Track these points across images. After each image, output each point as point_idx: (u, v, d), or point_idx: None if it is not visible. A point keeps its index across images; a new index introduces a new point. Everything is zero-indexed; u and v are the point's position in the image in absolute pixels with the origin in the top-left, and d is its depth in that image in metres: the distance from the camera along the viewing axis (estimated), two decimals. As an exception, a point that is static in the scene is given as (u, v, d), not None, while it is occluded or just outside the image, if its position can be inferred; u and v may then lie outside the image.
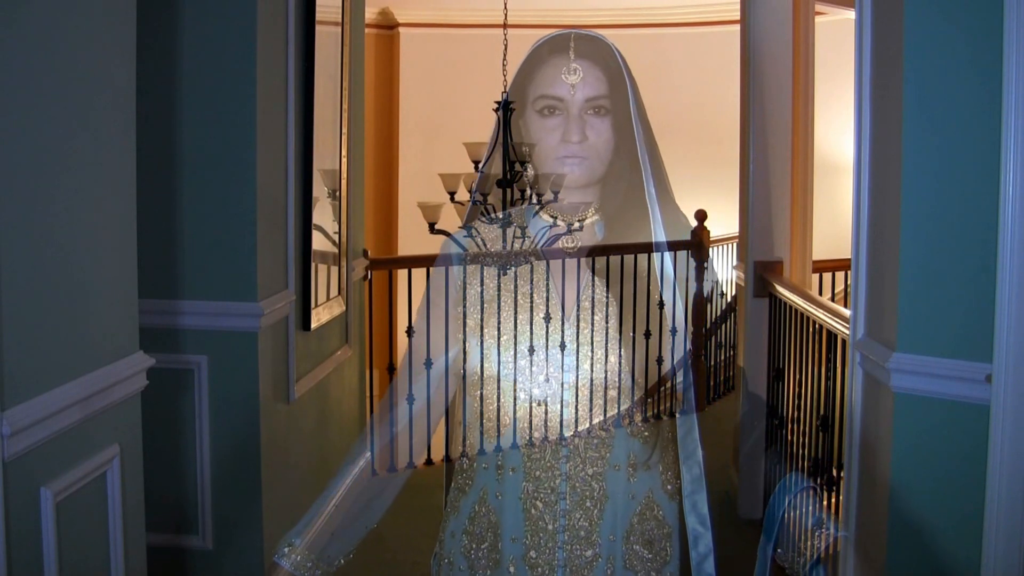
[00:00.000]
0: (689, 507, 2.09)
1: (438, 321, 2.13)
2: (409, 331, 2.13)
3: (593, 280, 2.08)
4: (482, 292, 2.10)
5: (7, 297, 1.73)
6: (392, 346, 2.44)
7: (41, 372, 1.85)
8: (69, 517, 1.93)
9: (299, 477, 3.74)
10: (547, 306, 2.04)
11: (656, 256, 2.07)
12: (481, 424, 2.11)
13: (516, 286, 2.04)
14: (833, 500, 2.99)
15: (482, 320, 2.09)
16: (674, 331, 2.06)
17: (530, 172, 2.08)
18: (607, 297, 2.06)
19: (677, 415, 2.10)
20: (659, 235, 2.07)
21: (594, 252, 2.06)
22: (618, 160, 2.13)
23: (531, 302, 2.03)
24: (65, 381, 1.91)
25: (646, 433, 2.12)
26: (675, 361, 2.08)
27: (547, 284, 2.05)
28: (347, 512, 2.14)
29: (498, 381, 2.08)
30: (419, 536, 2.18)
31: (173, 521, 3.26)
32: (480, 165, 2.00)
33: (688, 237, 2.10)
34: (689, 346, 2.10)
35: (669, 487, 2.15)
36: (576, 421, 2.06)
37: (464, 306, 2.06)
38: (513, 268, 1.96)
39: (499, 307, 2.08)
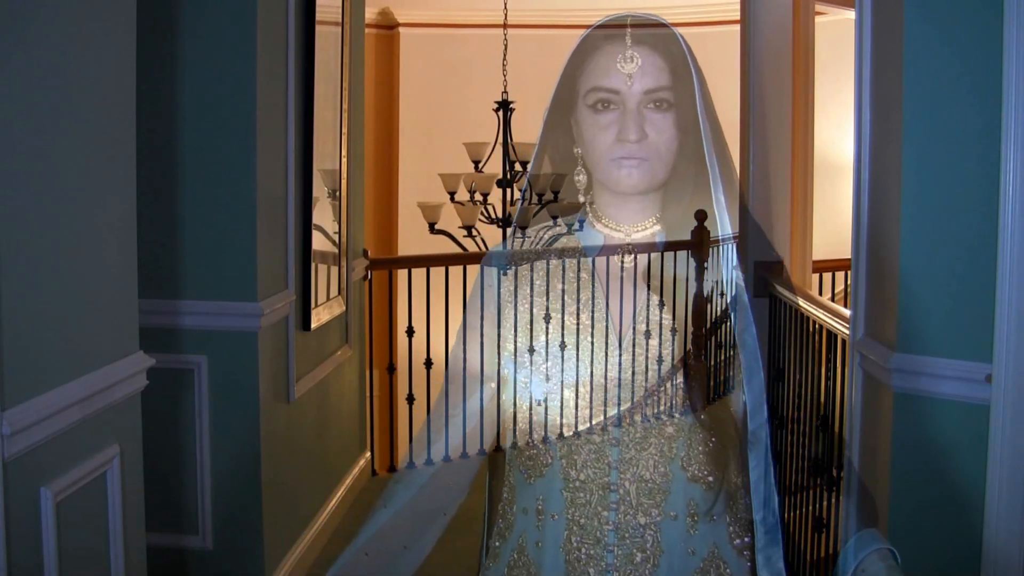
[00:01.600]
0: (762, 561, 1.78)
1: (477, 345, 1.86)
2: (409, 331, 2.00)
3: (651, 300, 1.83)
4: (516, 307, 1.82)
5: (7, 297, 1.73)
6: (392, 346, 2.37)
7: (41, 372, 1.85)
8: (69, 517, 1.93)
9: (299, 477, 3.74)
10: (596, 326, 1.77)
11: (724, 270, 1.84)
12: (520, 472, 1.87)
13: (565, 304, 1.78)
14: (833, 500, 2.99)
15: (504, 339, 1.83)
16: (736, 344, 1.82)
17: (582, 177, 1.88)
18: (663, 317, 1.81)
19: (749, 456, 1.83)
20: (729, 253, 1.84)
21: (638, 249, 1.81)
22: (682, 162, 1.87)
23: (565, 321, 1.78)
24: (65, 381, 1.91)
25: (710, 478, 1.85)
26: (740, 391, 1.84)
27: (601, 303, 1.79)
28: (381, 555, 1.85)
29: (530, 413, 1.83)
30: (448, 549, 1.98)
31: (173, 521, 3.26)
32: (528, 166, 1.87)
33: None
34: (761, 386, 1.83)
35: (737, 541, 1.87)
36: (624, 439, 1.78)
37: (499, 329, 1.83)
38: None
39: (523, 325, 1.82)
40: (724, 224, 1.84)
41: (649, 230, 1.91)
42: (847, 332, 2.65)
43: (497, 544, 1.94)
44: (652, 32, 1.84)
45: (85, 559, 2.02)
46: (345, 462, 4.46)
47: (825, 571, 3.05)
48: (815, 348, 3.35)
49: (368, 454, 4.71)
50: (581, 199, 1.92)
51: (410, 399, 1.99)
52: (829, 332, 3.14)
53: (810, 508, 3.26)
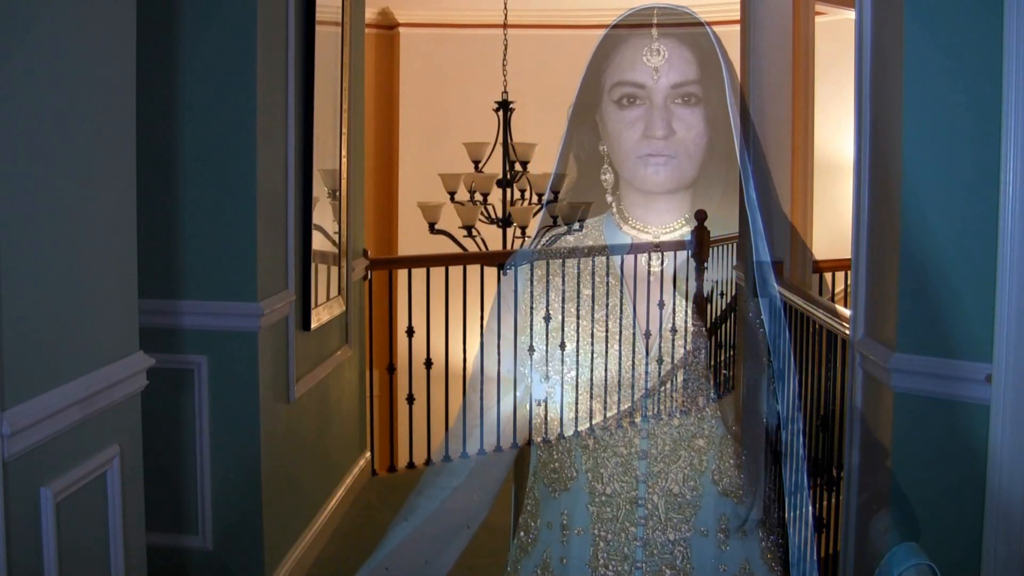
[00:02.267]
0: None
1: (502, 349, 1.77)
2: (409, 331, 1.94)
3: (679, 304, 1.75)
4: (542, 312, 1.74)
5: (7, 297, 1.73)
6: (392, 346, 2.34)
7: (41, 372, 1.85)
8: (69, 517, 1.93)
9: (299, 477, 3.74)
10: (625, 337, 1.69)
11: (756, 273, 1.76)
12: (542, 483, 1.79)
13: (593, 309, 1.71)
14: (833, 500, 2.99)
15: (513, 350, 1.76)
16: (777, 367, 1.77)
17: (608, 176, 1.82)
18: (696, 325, 1.74)
19: (784, 467, 1.77)
20: (762, 252, 1.77)
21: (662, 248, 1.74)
22: (712, 159, 1.80)
23: (606, 329, 1.70)
24: (65, 381, 1.91)
25: (741, 492, 1.78)
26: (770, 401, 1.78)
27: (627, 308, 1.71)
28: (402, 570, 1.76)
29: (559, 424, 1.74)
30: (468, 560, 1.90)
31: (173, 521, 3.26)
32: (528, 166, 1.80)
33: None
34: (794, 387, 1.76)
35: (769, 556, 1.80)
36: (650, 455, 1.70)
37: (530, 338, 1.75)
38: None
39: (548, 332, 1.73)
40: (758, 230, 1.80)
41: (678, 231, 1.83)
42: (847, 332, 2.65)
43: (519, 558, 1.87)
44: (679, 22, 1.76)
45: (85, 559, 2.02)
46: (345, 462, 4.46)
47: (825, 571, 3.05)
48: (815, 348, 3.35)
49: (368, 454, 4.71)
50: (608, 199, 1.85)
51: (410, 399, 1.94)
52: (829, 332, 3.14)
53: (810, 508, 3.26)
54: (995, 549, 2.05)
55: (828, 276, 4.91)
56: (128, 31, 2.14)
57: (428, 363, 4.23)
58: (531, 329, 1.75)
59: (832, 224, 5.52)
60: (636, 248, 1.76)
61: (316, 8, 3.64)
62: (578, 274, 1.74)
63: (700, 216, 2.02)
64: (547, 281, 1.74)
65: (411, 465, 4.50)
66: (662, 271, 1.77)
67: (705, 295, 1.88)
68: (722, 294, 1.89)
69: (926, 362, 2.17)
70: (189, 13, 3.16)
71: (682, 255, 1.77)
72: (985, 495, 2.07)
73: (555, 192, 2.08)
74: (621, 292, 1.77)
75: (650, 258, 1.78)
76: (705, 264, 2.06)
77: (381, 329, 4.78)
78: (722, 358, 1.87)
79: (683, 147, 1.75)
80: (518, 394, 1.79)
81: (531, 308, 1.76)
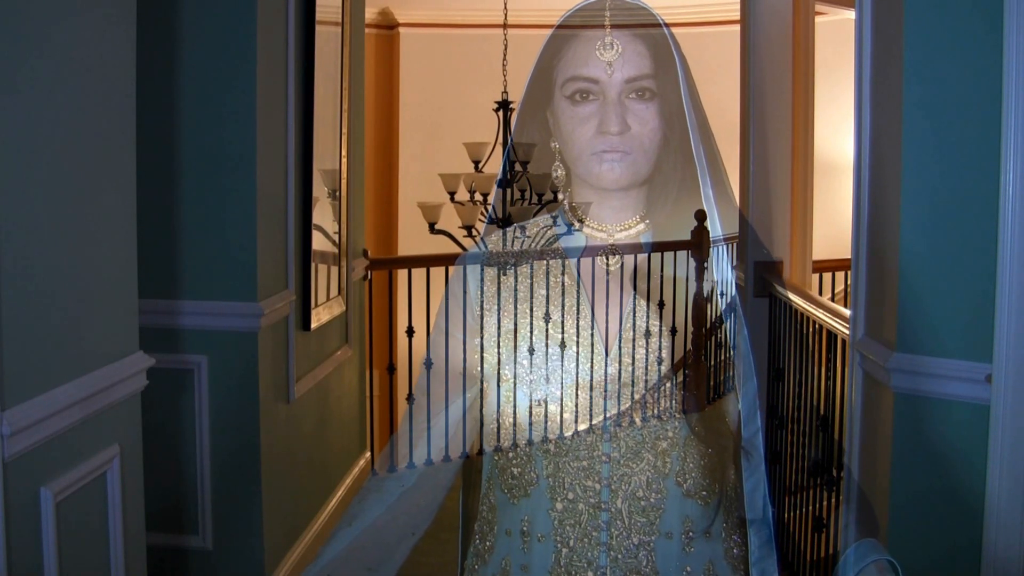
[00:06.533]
0: (757, 575, 1.68)
1: (455, 351, 1.74)
2: (409, 331, 1.91)
3: (639, 305, 1.71)
4: (499, 318, 1.71)
5: (7, 297, 1.73)
6: (392, 346, 2.32)
7: (41, 372, 1.85)
8: (69, 517, 1.93)
9: (299, 477, 3.74)
10: (581, 338, 1.66)
11: (717, 271, 1.72)
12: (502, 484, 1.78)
13: (548, 312, 1.67)
14: (833, 500, 2.99)
15: (496, 352, 1.72)
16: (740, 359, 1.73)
17: (560, 172, 1.77)
18: (655, 326, 1.70)
19: (743, 466, 1.73)
20: (721, 254, 1.72)
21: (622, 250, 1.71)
22: (667, 155, 1.75)
23: (554, 332, 1.67)
24: (65, 381, 1.91)
25: (705, 493, 1.74)
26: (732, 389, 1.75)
27: (579, 309, 1.68)
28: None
29: (513, 429, 1.70)
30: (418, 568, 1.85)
31: (173, 521, 3.26)
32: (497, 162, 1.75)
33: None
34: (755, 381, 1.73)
35: (734, 554, 1.76)
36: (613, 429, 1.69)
37: (482, 338, 1.72)
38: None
39: (509, 334, 1.69)
40: (715, 224, 1.72)
41: (634, 229, 1.79)
42: (847, 332, 2.65)
43: (476, 566, 1.82)
44: (633, 16, 1.71)
45: (85, 559, 2.02)
46: (345, 462, 4.46)
47: (825, 571, 3.05)
48: (815, 348, 3.35)
49: (368, 454, 4.71)
50: (560, 196, 1.80)
51: (410, 399, 1.91)
52: (829, 332, 3.14)
53: (810, 508, 3.27)
54: (995, 549, 2.05)
55: (828, 276, 4.92)
56: (128, 31, 2.14)
57: (428, 363, 4.22)
58: (490, 334, 1.71)
59: (832, 224, 5.53)
60: (591, 250, 1.72)
61: (316, 8, 3.64)
62: (531, 274, 1.69)
63: (700, 216, 1.99)
64: (499, 281, 1.70)
65: (411, 465, 4.49)
66: (617, 270, 1.73)
67: (705, 295, 1.87)
68: (722, 294, 1.88)
69: (926, 362, 2.17)
70: (189, 13, 3.16)
71: (640, 254, 1.71)
72: (985, 495, 2.07)
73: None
74: (577, 292, 1.73)
75: (607, 257, 1.73)
76: (705, 264, 2.03)
77: (381, 329, 4.78)
78: (721, 358, 1.85)
79: (638, 143, 1.70)
80: (470, 398, 1.76)
81: (482, 309, 1.73)
